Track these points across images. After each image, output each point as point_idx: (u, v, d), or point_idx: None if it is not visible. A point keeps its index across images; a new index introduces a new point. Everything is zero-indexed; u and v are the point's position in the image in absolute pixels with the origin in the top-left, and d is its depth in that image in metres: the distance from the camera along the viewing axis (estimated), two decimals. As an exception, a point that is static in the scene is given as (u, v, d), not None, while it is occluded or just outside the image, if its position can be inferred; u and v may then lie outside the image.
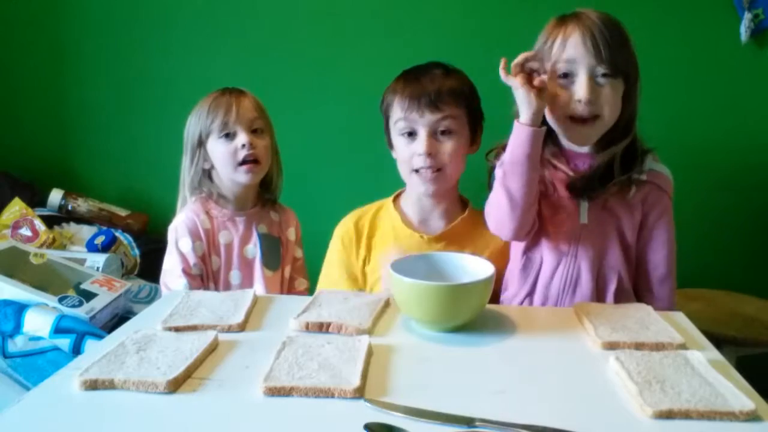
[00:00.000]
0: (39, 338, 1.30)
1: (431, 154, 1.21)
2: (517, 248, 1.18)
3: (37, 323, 1.30)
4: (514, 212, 1.06)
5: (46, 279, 1.47)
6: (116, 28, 2.00)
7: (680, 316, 0.95)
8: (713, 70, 1.82)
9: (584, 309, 0.94)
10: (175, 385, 0.70)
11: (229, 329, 0.87)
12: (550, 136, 1.09)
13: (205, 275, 1.29)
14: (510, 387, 0.72)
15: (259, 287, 1.31)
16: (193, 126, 1.31)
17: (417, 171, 1.23)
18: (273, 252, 1.36)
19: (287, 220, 1.42)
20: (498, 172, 1.09)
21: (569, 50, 1.04)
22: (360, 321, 0.88)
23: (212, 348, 0.80)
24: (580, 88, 1.03)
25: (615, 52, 1.03)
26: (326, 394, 0.68)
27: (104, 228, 1.84)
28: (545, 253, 1.13)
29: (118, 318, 1.45)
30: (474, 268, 0.94)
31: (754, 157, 1.84)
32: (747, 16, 1.76)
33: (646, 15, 1.75)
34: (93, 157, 2.09)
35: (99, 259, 1.63)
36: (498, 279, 0.89)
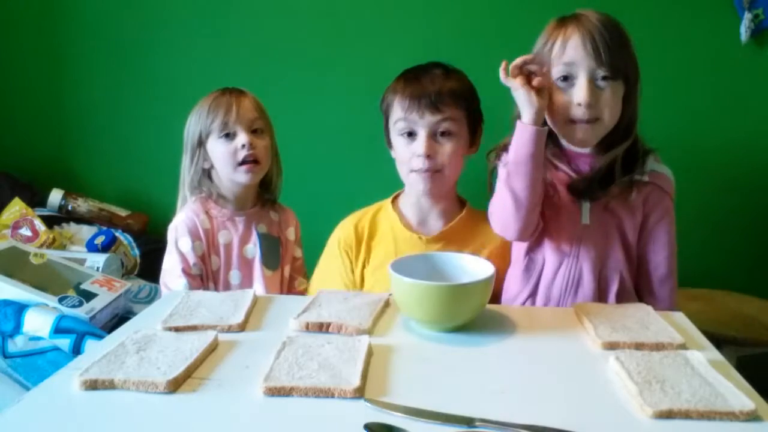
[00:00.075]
0: (39, 338, 1.30)
1: (430, 155, 1.21)
2: (519, 249, 1.18)
3: (37, 323, 1.30)
4: (519, 212, 1.05)
5: (46, 279, 1.47)
6: (116, 28, 2.00)
7: (680, 316, 0.95)
8: (713, 70, 1.82)
9: (584, 309, 0.94)
10: (175, 385, 0.70)
11: (229, 329, 0.87)
12: (550, 137, 1.09)
13: (205, 275, 1.29)
14: (510, 387, 0.72)
15: (258, 287, 1.31)
16: (193, 126, 1.31)
17: (416, 171, 1.23)
18: (272, 252, 1.36)
19: (287, 220, 1.42)
20: (501, 173, 1.08)
21: (569, 53, 1.04)
22: (360, 321, 0.88)
23: (212, 348, 0.80)
24: (580, 92, 1.03)
25: (615, 54, 1.02)
26: (326, 394, 0.68)
27: (104, 228, 1.84)
28: (547, 253, 1.13)
29: (118, 318, 1.45)
30: (474, 268, 0.94)
31: (754, 158, 1.84)
32: (747, 16, 1.76)
33: (646, 15, 1.75)
34: (93, 157, 2.09)
35: (99, 259, 1.62)
36: (496, 278, 0.89)
